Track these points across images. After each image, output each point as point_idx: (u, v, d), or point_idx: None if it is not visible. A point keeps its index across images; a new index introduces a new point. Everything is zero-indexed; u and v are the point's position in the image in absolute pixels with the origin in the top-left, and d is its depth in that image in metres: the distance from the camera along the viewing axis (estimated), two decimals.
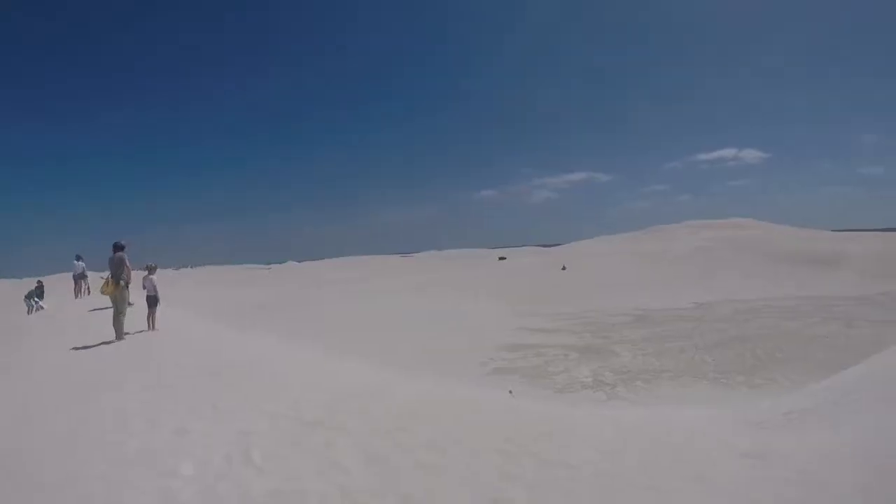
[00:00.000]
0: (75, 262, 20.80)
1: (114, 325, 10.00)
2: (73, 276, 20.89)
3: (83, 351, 9.58)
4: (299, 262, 64.80)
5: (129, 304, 10.53)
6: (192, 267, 62.53)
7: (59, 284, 30.86)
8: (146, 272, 11.25)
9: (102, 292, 10.62)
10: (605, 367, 11.77)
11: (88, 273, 21.87)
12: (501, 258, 40.37)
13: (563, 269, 31.73)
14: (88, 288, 20.71)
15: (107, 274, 10.57)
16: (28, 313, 20.92)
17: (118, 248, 10.36)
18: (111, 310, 10.33)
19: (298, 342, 8.47)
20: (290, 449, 4.05)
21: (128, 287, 10.33)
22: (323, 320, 11.61)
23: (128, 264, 10.40)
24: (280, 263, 63.39)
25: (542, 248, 56.73)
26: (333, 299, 17.14)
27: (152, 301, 10.95)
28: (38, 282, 22.79)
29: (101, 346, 9.69)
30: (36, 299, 21.36)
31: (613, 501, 3.01)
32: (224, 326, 11.32)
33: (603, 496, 3.06)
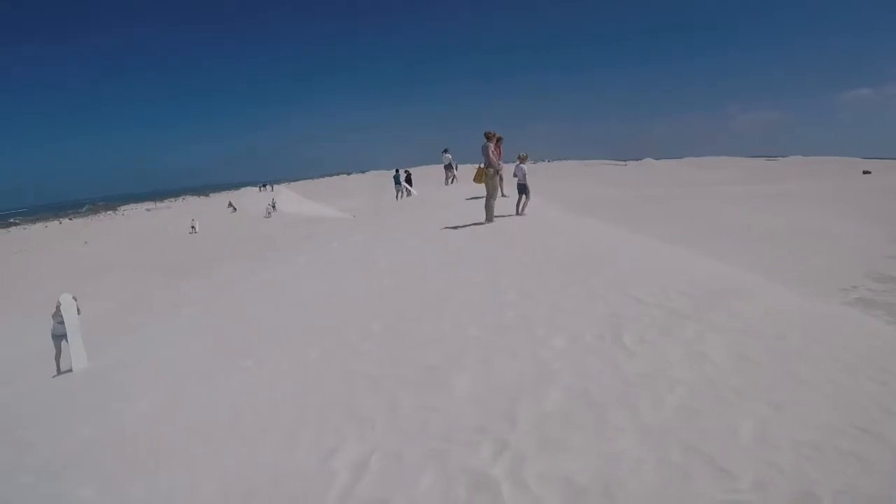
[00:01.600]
0: (443, 153, 23.67)
1: (485, 209, 11.18)
2: (444, 167, 23.91)
3: (452, 230, 11.13)
4: (656, 159, 62.45)
5: (503, 195, 11.45)
6: (548, 161, 65.26)
7: (429, 174, 36.52)
8: (518, 161, 11.81)
9: (474, 180, 11.93)
10: None
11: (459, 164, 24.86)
12: (865, 172, 31.72)
13: None
14: (455, 176, 23.85)
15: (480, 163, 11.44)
16: (396, 198, 25.97)
17: (487, 137, 11.12)
18: (483, 199, 11.50)
19: (654, 238, 8.57)
20: (659, 336, 4.25)
21: (497, 175, 11.00)
22: (676, 220, 11.27)
23: (491, 152, 11.00)
24: (637, 160, 61.93)
25: None
26: (687, 200, 16.38)
27: (522, 188, 11.58)
28: (407, 171, 27.82)
29: (473, 226, 11.14)
30: (407, 186, 26.29)
31: None
32: (581, 216, 11.83)
33: None
